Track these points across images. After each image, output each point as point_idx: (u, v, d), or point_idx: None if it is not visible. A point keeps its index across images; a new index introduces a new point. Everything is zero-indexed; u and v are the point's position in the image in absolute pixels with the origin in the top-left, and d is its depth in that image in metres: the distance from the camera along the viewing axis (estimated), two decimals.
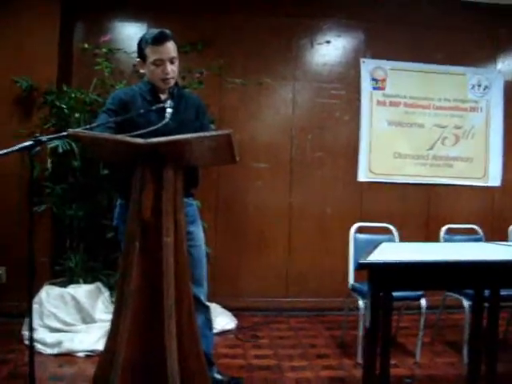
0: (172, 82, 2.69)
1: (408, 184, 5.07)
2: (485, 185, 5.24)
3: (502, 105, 5.31)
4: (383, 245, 2.98)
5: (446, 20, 5.15)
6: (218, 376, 3.00)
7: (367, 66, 5.02)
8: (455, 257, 2.76)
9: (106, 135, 2.34)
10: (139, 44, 2.68)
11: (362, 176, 5.01)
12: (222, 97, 4.77)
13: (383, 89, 5.05)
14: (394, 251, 2.91)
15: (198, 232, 2.88)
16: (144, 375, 2.27)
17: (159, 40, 2.60)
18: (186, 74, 4.21)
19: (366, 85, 5.01)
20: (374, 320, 2.42)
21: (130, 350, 2.23)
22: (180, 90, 2.85)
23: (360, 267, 2.43)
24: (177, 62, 2.68)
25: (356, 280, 3.72)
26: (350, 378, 3.30)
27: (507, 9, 5.26)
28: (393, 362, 3.43)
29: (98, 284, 4.10)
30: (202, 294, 2.90)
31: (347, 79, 5.01)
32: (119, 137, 2.29)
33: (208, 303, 4.29)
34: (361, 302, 3.52)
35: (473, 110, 5.23)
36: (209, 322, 3.00)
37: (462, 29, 5.20)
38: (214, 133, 2.38)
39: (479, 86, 5.26)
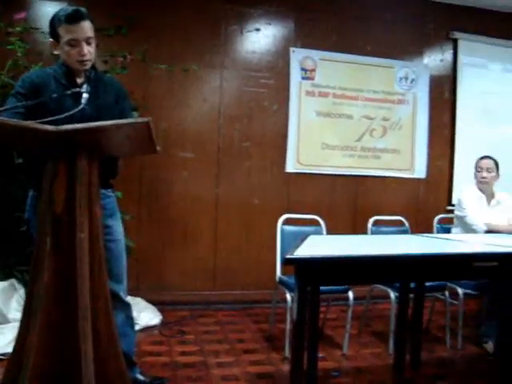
0: (89, 65, 2.49)
1: (336, 175, 5.06)
2: (411, 176, 5.32)
3: (427, 98, 5.40)
4: (310, 238, 2.93)
5: (377, 13, 5.18)
6: (140, 377, 2.85)
7: (297, 56, 4.95)
8: (382, 250, 2.74)
9: (12, 121, 2.12)
10: (51, 22, 2.44)
11: (290, 167, 4.95)
12: (147, 84, 4.57)
13: (312, 79, 5.00)
14: (321, 245, 2.86)
15: (118, 226, 2.71)
16: (56, 382, 2.10)
17: (74, 18, 2.38)
18: (109, 58, 4.00)
19: (295, 74, 4.95)
20: (301, 315, 2.36)
21: (41, 355, 2.06)
22: (98, 73, 2.65)
23: (287, 262, 2.36)
24: (94, 44, 2.48)
25: (283, 273, 3.66)
26: (278, 373, 3.24)
27: (436, 4, 5.35)
28: (321, 354, 3.42)
29: (13, 281, 3.82)
30: (122, 290, 2.74)
31: (276, 68, 4.93)
32: (26, 123, 2.08)
33: (130, 298, 4.16)
34: (288, 295, 3.46)
35: (400, 102, 5.29)
36: (130, 320, 2.84)
37: (391, 22, 5.25)
38: (131, 120, 2.22)
39: (406, 78, 5.32)
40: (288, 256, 2.24)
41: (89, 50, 2.44)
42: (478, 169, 3.94)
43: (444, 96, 5.52)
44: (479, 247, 3.06)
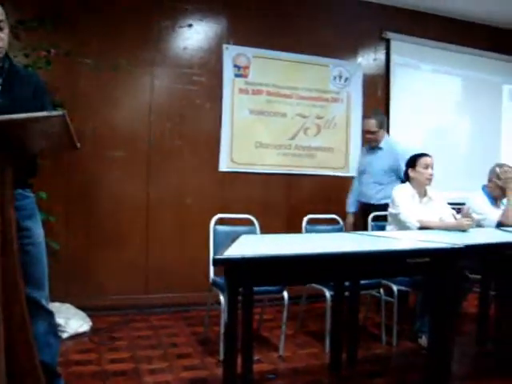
0: (2, 52, 2.31)
1: (270, 174, 5.00)
2: (346, 175, 5.33)
3: (361, 96, 5.44)
4: (242, 237, 2.84)
5: (311, 11, 5.17)
6: None
7: (230, 53, 4.87)
8: (316, 249, 2.68)
9: None
10: None
11: (224, 165, 4.85)
12: (75, 80, 4.36)
13: (246, 76, 4.92)
14: (253, 244, 2.77)
15: (37, 228, 2.52)
16: None
17: None
18: (31, 51, 3.79)
19: (228, 72, 4.86)
20: (232, 317, 2.26)
21: None
22: (14, 65, 2.46)
23: (215, 263, 2.26)
24: (6, 29, 2.29)
25: (217, 274, 3.55)
26: (212, 378, 3.13)
27: (370, 4, 5.39)
28: (256, 357, 3.38)
29: None
30: (43, 297, 2.54)
31: (209, 65, 4.82)
32: None
33: (58, 305, 3.98)
34: (222, 297, 3.36)
35: (334, 100, 5.29)
36: (53, 328, 2.65)
37: (325, 21, 5.27)
38: (45, 113, 2.06)
39: (340, 77, 5.33)
40: (217, 256, 2.15)
41: (0, 37, 2.26)
42: (423, 166, 3.92)
43: (377, 95, 5.58)
44: (412, 244, 3.07)
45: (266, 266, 2.28)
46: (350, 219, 4.80)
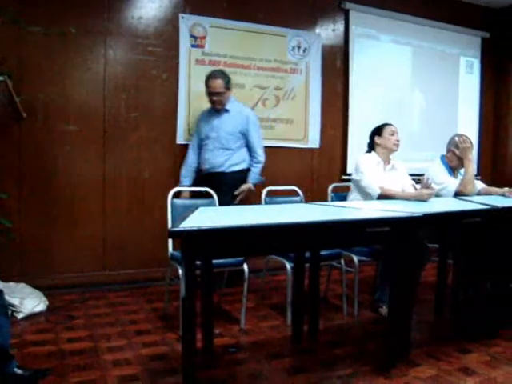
0: None
1: None
2: (305, 146, 5.30)
3: (320, 67, 5.38)
4: (200, 209, 2.78)
5: None
6: (19, 371, 2.57)
7: (186, 22, 4.72)
8: (274, 220, 2.63)
9: None
10: None
11: (181, 138, 4.73)
12: (23, 49, 4.14)
13: (203, 47, 4.79)
14: (210, 216, 2.71)
15: None
16: None
17: None
18: None
19: (184, 42, 4.71)
20: (189, 291, 2.21)
21: None
22: None
23: (171, 236, 2.20)
24: None
25: (176, 248, 3.48)
26: (173, 354, 3.07)
27: None
28: (217, 331, 3.35)
29: None
30: None
31: (165, 35, 4.66)
32: None
33: (13, 284, 3.86)
34: (181, 271, 3.29)
35: (293, 71, 5.22)
36: (3, 308, 2.55)
37: None
38: None
39: (299, 48, 5.25)
40: (172, 229, 2.08)
41: None
42: (389, 133, 3.96)
43: (336, 66, 5.53)
44: (372, 213, 3.06)
45: (223, 237, 2.23)
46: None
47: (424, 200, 3.57)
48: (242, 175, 4.39)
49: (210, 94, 4.30)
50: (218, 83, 4.25)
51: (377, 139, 4.01)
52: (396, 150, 4.02)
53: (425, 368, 2.92)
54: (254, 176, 4.41)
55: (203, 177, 4.47)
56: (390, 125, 4.04)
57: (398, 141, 3.98)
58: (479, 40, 6.65)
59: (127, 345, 3.22)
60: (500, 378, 2.84)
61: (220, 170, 4.36)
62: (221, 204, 3.76)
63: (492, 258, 3.45)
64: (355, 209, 3.18)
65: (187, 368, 2.31)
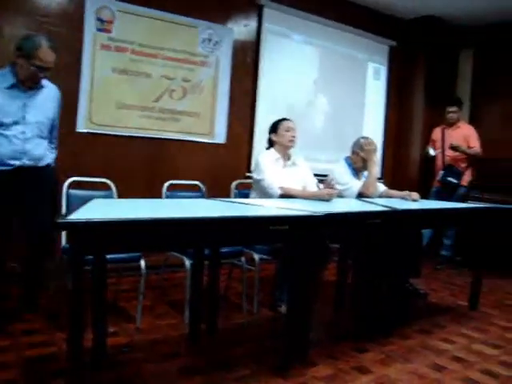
0: None
1: (132, 137, 4.72)
2: (211, 141, 5.20)
3: (230, 62, 5.30)
4: (94, 201, 2.61)
5: None
6: None
7: (93, 3, 4.46)
8: (173, 214, 2.51)
9: None
10: None
11: (81, 126, 4.48)
12: None
13: (109, 32, 4.56)
14: (104, 208, 2.55)
15: None
16: None
17: None
18: None
19: (89, 25, 4.46)
20: (77, 286, 2.04)
21: None
22: None
23: (57, 228, 2.03)
24: None
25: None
26: (61, 355, 2.85)
27: None
28: (112, 329, 3.20)
29: None
30: None
31: (68, 15, 4.37)
32: None
33: None
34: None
35: (202, 64, 5.10)
36: None
37: None
38: None
39: (210, 40, 5.14)
40: (59, 220, 1.91)
41: None
42: (285, 129, 3.92)
43: (247, 61, 5.48)
44: (272, 211, 3.01)
45: (116, 231, 2.08)
46: None
47: (325, 199, 3.58)
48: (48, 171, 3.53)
49: (39, 68, 3.21)
50: (54, 57, 3.28)
51: (273, 136, 3.98)
52: (292, 147, 3.98)
53: (322, 367, 2.92)
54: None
55: (11, 174, 3.28)
56: (287, 120, 3.99)
57: (293, 137, 3.94)
58: (387, 48, 6.86)
59: (10, 345, 2.97)
60: (392, 374, 2.90)
61: (41, 164, 3.41)
62: (44, 210, 3.37)
63: (390, 259, 3.51)
64: (256, 206, 3.12)
65: (73, 369, 2.15)
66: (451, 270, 5.75)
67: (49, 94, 3.46)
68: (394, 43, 6.85)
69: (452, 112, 6.06)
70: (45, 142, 3.46)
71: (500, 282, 5.29)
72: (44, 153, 3.44)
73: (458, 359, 3.19)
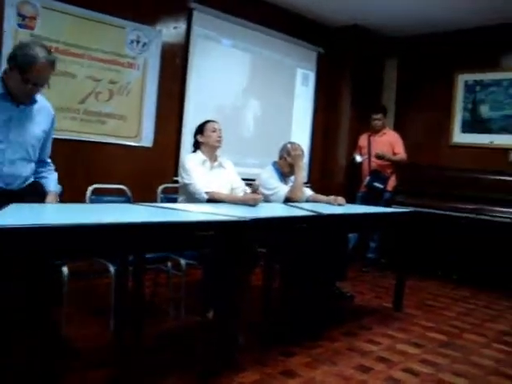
0: None
1: (56, 139, 4.50)
2: (138, 145, 5.10)
3: (158, 65, 5.22)
4: (11, 206, 2.49)
5: None
6: None
7: None
8: (97, 220, 2.44)
9: None
10: None
11: None
12: None
13: (32, 28, 4.36)
14: (24, 213, 2.45)
15: None
16: None
17: None
18: None
19: (10, 20, 4.22)
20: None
21: None
22: None
23: None
24: None
25: None
26: None
27: None
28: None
29: None
30: None
31: None
32: None
33: None
34: None
35: (130, 66, 4.99)
36: None
37: None
38: None
39: (138, 42, 5.05)
40: None
41: None
42: (211, 130, 3.92)
43: (175, 64, 5.41)
44: (197, 216, 2.98)
45: (31, 237, 1.97)
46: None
47: (251, 205, 3.58)
48: (32, 188, 3.15)
49: (33, 83, 2.85)
50: (51, 72, 2.94)
51: (199, 137, 3.97)
52: (219, 147, 3.99)
53: (250, 373, 2.90)
54: (56, 184, 3.30)
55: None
56: (212, 121, 4.00)
57: (220, 137, 3.95)
58: (315, 54, 6.96)
59: None
60: (319, 377, 2.93)
61: (19, 187, 3.03)
62: None
63: (316, 263, 3.55)
64: (183, 211, 3.08)
65: None
66: (377, 273, 5.90)
67: (41, 111, 3.11)
68: (322, 50, 6.96)
69: (377, 119, 6.24)
70: (29, 165, 3.08)
71: (422, 284, 5.47)
72: (26, 177, 3.06)
73: (382, 359, 3.27)
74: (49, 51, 2.91)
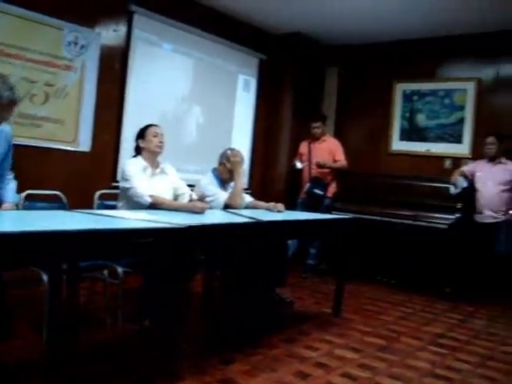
0: None
1: None
2: (75, 149, 4.96)
3: (96, 68, 5.10)
4: None
5: None
6: None
7: None
8: (28, 227, 2.35)
9: None
10: None
11: None
12: None
13: None
14: None
15: None
16: None
17: None
18: None
19: None
20: None
21: None
22: None
23: None
24: None
25: None
26: None
27: None
28: None
29: None
30: None
31: None
32: None
33: None
34: None
35: (67, 68, 4.86)
36: None
37: None
38: None
39: (76, 44, 4.92)
40: None
41: None
42: (152, 134, 3.84)
43: (115, 67, 5.31)
44: (135, 223, 2.91)
45: None
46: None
47: (198, 212, 3.55)
48: None
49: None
50: (12, 109, 3.11)
51: (140, 142, 3.88)
52: (160, 152, 3.90)
53: (188, 381, 2.86)
54: (13, 194, 3.40)
55: None
56: (154, 126, 3.92)
57: (161, 142, 3.87)
58: (257, 61, 6.99)
59: None
60: None
61: None
62: None
63: (256, 269, 3.55)
64: (119, 218, 3.00)
65: None
66: (317, 279, 5.95)
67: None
68: (264, 57, 7.00)
69: (316, 127, 6.30)
70: None
71: (361, 288, 5.56)
72: None
73: (320, 365, 3.28)
74: (11, 88, 2.95)
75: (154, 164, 3.89)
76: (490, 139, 5.61)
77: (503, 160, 5.57)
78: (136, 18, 5.44)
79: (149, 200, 3.59)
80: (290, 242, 5.29)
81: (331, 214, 5.70)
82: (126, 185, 3.67)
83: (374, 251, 5.92)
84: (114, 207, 3.83)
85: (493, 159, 5.59)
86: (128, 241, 2.50)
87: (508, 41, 6.03)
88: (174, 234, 2.67)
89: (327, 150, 6.26)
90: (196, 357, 3.24)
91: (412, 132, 6.81)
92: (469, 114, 6.39)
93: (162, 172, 3.92)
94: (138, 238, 2.52)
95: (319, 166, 6.11)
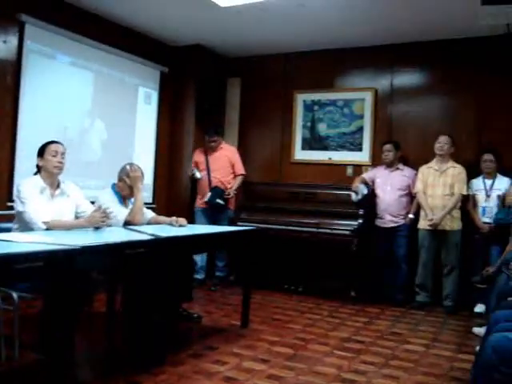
0: None
1: None
2: None
3: None
4: None
5: None
6: None
7: None
8: None
9: None
10: None
11: None
12: None
13: None
14: None
15: None
16: None
17: None
18: None
19: None
20: None
21: None
22: None
23: None
24: None
25: None
26: None
27: None
28: None
29: None
30: None
31: None
32: None
33: None
34: None
35: None
36: None
37: None
38: None
39: None
40: None
41: None
42: (51, 153, 3.60)
43: (6, 82, 5.03)
44: (23, 247, 2.67)
45: None
46: None
47: (98, 225, 3.44)
48: None
49: None
50: None
51: (39, 161, 3.65)
52: (58, 174, 3.68)
53: None
54: None
55: None
56: (55, 143, 3.69)
57: (60, 162, 3.63)
58: (158, 73, 6.89)
59: None
60: None
61: None
62: None
63: (159, 286, 3.46)
64: (9, 242, 2.80)
65: None
66: (226, 290, 5.94)
67: None
68: (165, 69, 6.92)
69: (213, 141, 6.26)
70: None
71: (270, 298, 5.60)
72: None
73: (229, 379, 3.25)
74: None
75: (54, 184, 3.68)
76: (387, 146, 5.86)
77: (400, 166, 5.83)
78: (28, 29, 5.17)
79: (43, 227, 3.37)
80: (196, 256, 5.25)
81: (236, 224, 5.70)
82: (20, 208, 3.44)
83: (280, 260, 5.98)
84: (8, 230, 3.58)
85: (390, 165, 5.83)
86: (12, 267, 2.33)
87: (399, 52, 6.34)
88: (65, 255, 2.55)
89: (225, 158, 6.25)
90: (100, 379, 3.15)
91: (314, 141, 6.93)
92: (367, 123, 6.59)
93: (63, 193, 3.72)
94: (25, 263, 2.37)
95: None
